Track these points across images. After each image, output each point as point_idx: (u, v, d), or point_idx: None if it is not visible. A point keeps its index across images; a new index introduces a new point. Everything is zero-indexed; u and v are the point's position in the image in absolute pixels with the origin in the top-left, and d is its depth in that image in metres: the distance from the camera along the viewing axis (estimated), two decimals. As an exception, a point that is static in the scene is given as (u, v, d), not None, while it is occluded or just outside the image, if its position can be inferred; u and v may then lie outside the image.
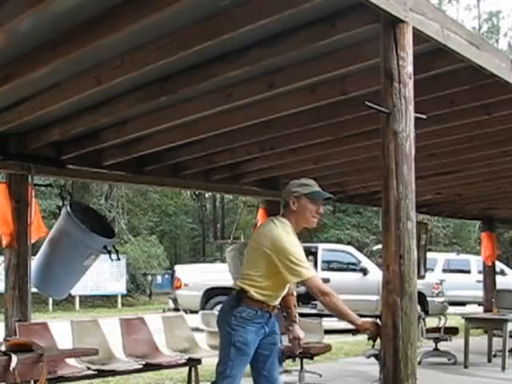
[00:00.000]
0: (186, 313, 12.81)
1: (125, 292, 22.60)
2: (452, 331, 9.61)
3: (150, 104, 5.06)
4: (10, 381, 4.38)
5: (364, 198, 10.21)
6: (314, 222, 4.16)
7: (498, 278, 14.09)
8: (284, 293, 4.22)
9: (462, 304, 18.26)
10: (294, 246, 3.98)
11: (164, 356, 6.87)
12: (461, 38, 3.86)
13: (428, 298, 13.80)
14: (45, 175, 6.81)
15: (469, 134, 6.21)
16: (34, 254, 6.59)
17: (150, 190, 25.28)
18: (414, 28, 3.46)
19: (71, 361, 6.11)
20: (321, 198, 4.15)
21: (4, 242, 6.27)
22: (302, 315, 10.17)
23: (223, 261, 15.91)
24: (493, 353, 9.42)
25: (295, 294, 4.64)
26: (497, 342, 9.21)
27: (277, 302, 4.19)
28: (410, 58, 3.43)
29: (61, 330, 6.81)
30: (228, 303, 4.19)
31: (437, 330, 9.58)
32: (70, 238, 6.18)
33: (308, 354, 7.49)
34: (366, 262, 14.65)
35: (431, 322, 11.10)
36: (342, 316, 3.95)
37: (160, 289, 26.25)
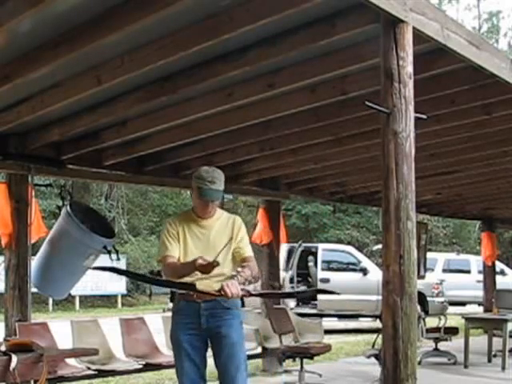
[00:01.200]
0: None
1: (125, 292, 22.59)
2: (452, 331, 9.61)
3: (150, 104, 5.06)
4: (9, 381, 4.38)
5: (364, 198, 10.22)
6: (203, 214, 4.09)
7: (498, 278, 14.09)
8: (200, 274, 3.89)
9: (462, 304, 18.25)
10: (164, 231, 4.10)
11: (164, 356, 6.86)
12: (461, 37, 3.86)
13: (428, 298, 13.80)
14: (45, 175, 6.80)
15: (469, 133, 6.21)
16: (34, 254, 6.59)
17: (149, 190, 25.23)
18: (414, 28, 3.46)
19: (71, 361, 6.11)
20: (203, 197, 4.01)
21: (3, 243, 6.27)
22: (302, 315, 10.25)
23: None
24: (493, 353, 9.42)
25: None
26: (497, 342, 9.20)
27: (201, 286, 3.87)
28: (410, 58, 3.43)
29: (61, 330, 6.81)
30: None
31: (437, 329, 9.57)
32: (70, 238, 6.18)
33: (308, 354, 7.50)
34: (366, 262, 14.65)
35: (431, 322, 11.09)
36: (181, 275, 3.95)
37: (160, 289, 26.19)
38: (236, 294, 3.78)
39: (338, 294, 5.20)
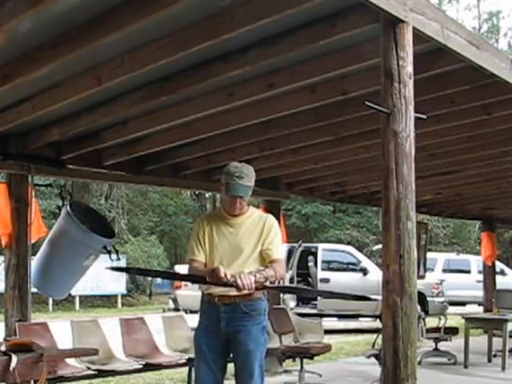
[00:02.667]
0: (186, 313, 12.81)
1: (125, 292, 22.60)
2: (452, 331, 9.61)
3: (150, 104, 5.07)
4: (9, 381, 4.38)
5: (364, 198, 10.22)
6: (231, 210, 4.05)
7: (498, 278, 14.10)
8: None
9: (462, 304, 18.25)
10: (192, 232, 4.18)
11: (164, 356, 6.86)
12: (461, 37, 3.86)
13: (428, 298, 13.80)
14: (45, 175, 6.80)
15: (469, 133, 6.21)
16: (34, 254, 6.59)
17: (149, 190, 25.25)
18: (414, 28, 3.46)
19: (71, 361, 6.10)
20: (231, 193, 3.98)
21: (3, 243, 6.27)
22: (302, 315, 10.24)
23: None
24: (493, 353, 9.42)
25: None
26: (497, 342, 9.20)
27: (217, 289, 3.93)
28: (410, 58, 3.43)
29: (61, 330, 6.80)
30: None
31: (437, 329, 9.58)
32: (70, 238, 6.18)
33: (308, 353, 7.50)
34: (366, 262, 14.66)
35: (431, 322, 11.10)
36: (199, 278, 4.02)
37: (160, 289, 26.21)
38: (248, 286, 3.72)
39: (375, 300, 4.88)
